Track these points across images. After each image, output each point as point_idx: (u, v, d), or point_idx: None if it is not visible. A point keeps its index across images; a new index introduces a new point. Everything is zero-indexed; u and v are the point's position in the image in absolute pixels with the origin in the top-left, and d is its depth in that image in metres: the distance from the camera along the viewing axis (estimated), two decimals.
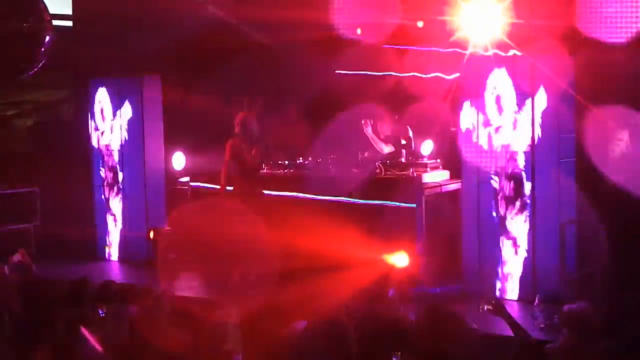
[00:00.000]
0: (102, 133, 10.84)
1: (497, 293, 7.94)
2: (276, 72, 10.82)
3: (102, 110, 10.80)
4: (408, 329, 5.92)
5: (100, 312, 5.90)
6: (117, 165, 10.69)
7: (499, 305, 5.59)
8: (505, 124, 7.94)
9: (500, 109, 7.97)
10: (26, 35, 5.23)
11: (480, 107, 8.09)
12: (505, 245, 7.98)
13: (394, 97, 10.70)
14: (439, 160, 9.54)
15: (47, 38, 5.44)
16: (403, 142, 9.83)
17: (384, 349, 5.58)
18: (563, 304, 6.87)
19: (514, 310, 7.63)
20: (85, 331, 5.64)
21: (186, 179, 10.82)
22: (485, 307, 5.53)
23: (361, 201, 9.13)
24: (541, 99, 7.80)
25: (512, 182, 7.93)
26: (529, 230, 7.83)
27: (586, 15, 7.89)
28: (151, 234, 10.13)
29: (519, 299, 7.81)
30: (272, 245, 9.03)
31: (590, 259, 7.81)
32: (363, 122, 9.83)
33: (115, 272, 10.16)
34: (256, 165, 9.19)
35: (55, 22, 5.67)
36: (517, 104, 7.87)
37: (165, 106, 10.70)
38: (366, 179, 9.23)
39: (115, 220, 10.75)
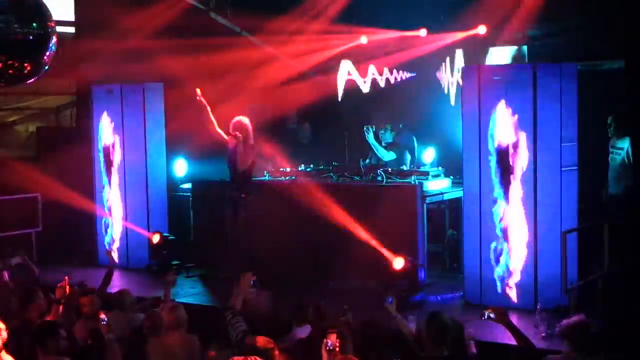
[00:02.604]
0: (104, 139, 10.84)
1: (498, 301, 7.92)
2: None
3: (103, 117, 10.81)
4: (407, 337, 5.95)
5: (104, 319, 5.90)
6: (119, 171, 10.68)
7: (502, 313, 5.59)
8: (508, 133, 7.94)
9: (502, 118, 7.96)
10: (30, 41, 5.24)
11: (483, 115, 8.09)
12: (507, 254, 7.97)
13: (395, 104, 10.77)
14: (441, 168, 9.56)
15: (51, 44, 5.43)
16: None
17: (383, 356, 5.59)
18: (564, 313, 6.90)
19: (514, 318, 7.62)
20: None
21: (188, 185, 10.84)
22: (487, 315, 5.54)
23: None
24: (543, 107, 7.80)
25: (514, 190, 7.92)
26: (531, 238, 7.82)
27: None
28: (154, 239, 10.12)
29: (520, 308, 7.79)
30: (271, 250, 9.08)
31: (592, 268, 7.80)
32: (365, 128, 9.83)
33: (117, 278, 10.14)
34: (247, 168, 9.07)
35: (58, 28, 5.67)
36: (519, 113, 7.86)
37: (167, 112, 10.71)
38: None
39: (116, 226, 10.74)
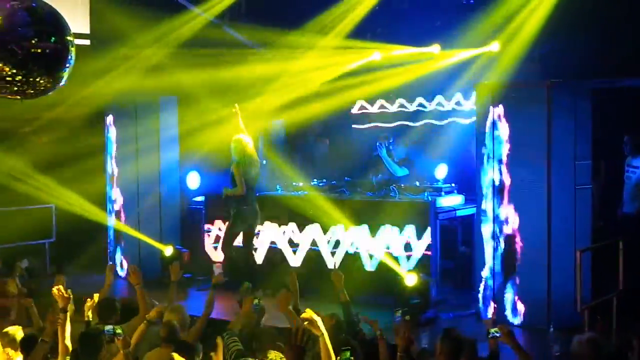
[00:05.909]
0: (118, 151, 10.88)
1: (512, 320, 7.89)
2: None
3: (118, 129, 10.87)
4: (416, 353, 5.94)
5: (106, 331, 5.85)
6: (132, 184, 10.71)
7: (507, 332, 5.57)
8: (521, 151, 7.93)
9: (516, 137, 7.95)
10: (49, 54, 5.27)
11: (498, 134, 8.08)
12: (520, 271, 7.94)
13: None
14: (454, 185, 9.54)
15: (69, 57, 5.47)
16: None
17: None
18: (578, 332, 6.86)
19: (528, 337, 7.59)
20: None
21: (201, 198, 10.85)
22: (493, 333, 5.52)
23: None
24: (557, 125, 7.79)
25: (527, 208, 7.90)
26: (545, 257, 7.79)
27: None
28: (166, 252, 10.14)
29: (534, 327, 7.75)
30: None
31: (606, 286, 7.76)
32: (378, 144, 9.84)
33: (129, 290, 10.15)
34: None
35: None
36: (533, 131, 7.85)
37: (181, 126, 10.76)
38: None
39: (130, 238, 10.75)
